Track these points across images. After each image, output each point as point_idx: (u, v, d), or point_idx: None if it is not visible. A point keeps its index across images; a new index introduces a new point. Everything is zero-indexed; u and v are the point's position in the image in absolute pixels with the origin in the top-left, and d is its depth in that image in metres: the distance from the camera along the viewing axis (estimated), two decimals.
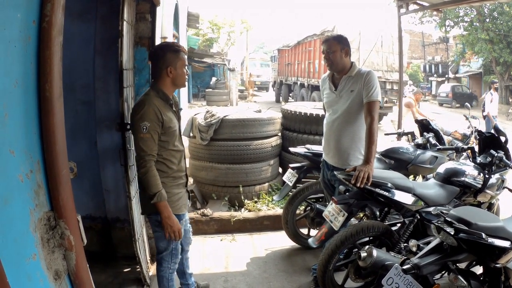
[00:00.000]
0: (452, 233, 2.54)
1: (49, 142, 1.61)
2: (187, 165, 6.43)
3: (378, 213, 3.75)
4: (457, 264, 2.69)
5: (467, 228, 2.55)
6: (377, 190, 3.42)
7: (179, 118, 3.15)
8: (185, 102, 11.48)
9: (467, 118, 7.25)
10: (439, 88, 34.24)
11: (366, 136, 3.52)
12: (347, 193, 3.60)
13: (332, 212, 3.48)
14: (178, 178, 3.11)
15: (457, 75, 38.28)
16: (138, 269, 3.90)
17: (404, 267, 2.55)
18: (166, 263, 3.20)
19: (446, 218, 2.66)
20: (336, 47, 3.66)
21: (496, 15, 28.50)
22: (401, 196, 3.47)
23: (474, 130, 7.11)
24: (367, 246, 3.06)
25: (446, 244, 2.65)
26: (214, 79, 26.55)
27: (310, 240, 3.66)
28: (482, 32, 28.13)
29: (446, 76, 38.65)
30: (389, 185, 3.46)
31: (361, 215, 4.64)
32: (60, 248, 1.65)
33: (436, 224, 2.68)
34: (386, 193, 3.43)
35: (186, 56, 3.04)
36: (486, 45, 28.57)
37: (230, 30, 31.65)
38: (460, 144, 5.35)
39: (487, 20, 28.71)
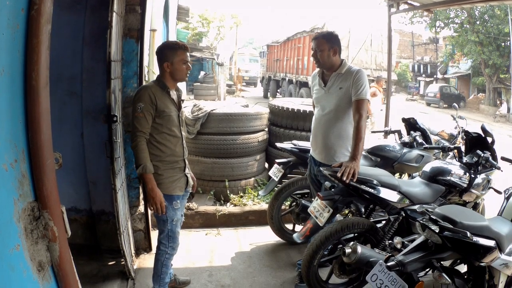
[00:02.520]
0: (437, 231, 2.56)
1: (34, 131, 1.58)
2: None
3: (363, 210, 3.78)
4: (442, 262, 2.70)
5: (452, 227, 2.57)
6: (363, 187, 3.44)
7: (179, 108, 3.42)
8: None
9: (454, 118, 7.28)
10: (427, 88, 34.52)
11: (354, 133, 3.54)
12: (332, 189, 3.61)
13: (318, 208, 3.49)
14: (173, 163, 3.34)
15: (445, 76, 38.65)
16: (123, 262, 3.89)
17: (389, 263, 2.55)
18: (163, 246, 3.42)
19: (431, 216, 2.68)
20: (324, 46, 3.67)
21: (486, 18, 28.91)
22: (386, 194, 3.49)
23: (461, 131, 7.18)
24: (351, 243, 3.07)
25: (431, 242, 2.66)
26: (202, 73, 26.48)
27: (295, 235, 3.68)
28: (472, 34, 28.50)
29: (435, 76, 39.01)
30: (375, 182, 3.48)
31: (346, 211, 4.66)
32: (44, 239, 1.63)
33: (421, 222, 2.69)
34: (371, 190, 3.45)
35: (187, 53, 3.33)
36: (476, 47, 28.97)
37: (220, 24, 31.59)
38: (446, 144, 5.38)
39: (478, 22, 29.09)
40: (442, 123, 11.40)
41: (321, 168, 3.68)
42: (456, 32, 31.15)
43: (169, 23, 9.35)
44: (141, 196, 4.56)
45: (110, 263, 4.25)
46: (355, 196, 3.57)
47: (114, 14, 3.21)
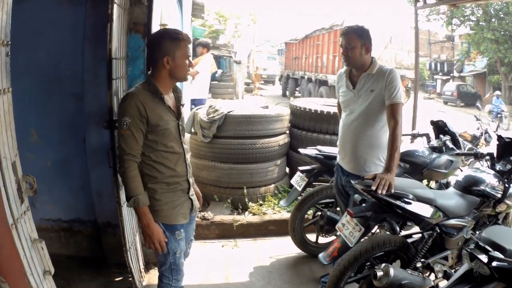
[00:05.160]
0: (486, 261, 2.34)
1: None
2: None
3: (398, 228, 3.37)
4: None
5: (502, 256, 2.35)
6: (398, 202, 3.05)
7: (178, 115, 2.79)
8: None
9: (477, 119, 7.07)
10: (444, 86, 34.07)
11: (389, 141, 3.20)
12: (363, 204, 3.24)
13: (347, 225, 3.12)
14: (174, 184, 2.74)
15: (461, 74, 38.23)
16: (131, 279, 3.58)
17: None
18: (166, 279, 2.86)
19: (479, 243, 2.45)
20: (356, 43, 3.29)
21: (502, 15, 28.75)
22: (420, 208, 3.13)
23: (483, 132, 6.94)
24: (383, 265, 2.82)
25: (477, 272, 2.46)
26: (220, 71, 26.26)
27: (320, 255, 3.32)
28: (488, 31, 28.37)
29: (451, 74, 38.51)
30: (411, 196, 3.10)
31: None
32: None
33: (469, 251, 2.46)
34: (406, 206, 3.07)
35: (190, 46, 2.69)
36: (492, 45, 28.88)
37: (237, 22, 31.43)
38: (479, 150, 5.05)
39: (493, 20, 28.98)
40: (463, 122, 11.20)
41: (352, 181, 3.29)
42: (472, 29, 31.13)
43: (183, 19, 9.03)
44: None
45: (117, 279, 3.98)
46: (388, 213, 3.20)
47: (115, 6, 2.88)
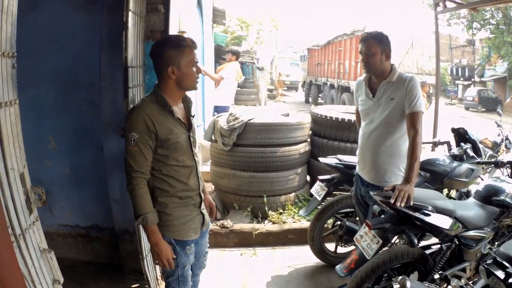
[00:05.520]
0: (503, 278, 2.23)
1: None
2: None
3: (416, 241, 3.27)
4: None
5: None
6: (417, 214, 2.96)
7: (189, 127, 2.64)
8: None
9: (498, 125, 6.97)
10: (465, 92, 33.59)
11: (409, 151, 3.12)
12: (382, 216, 3.15)
13: (365, 237, 3.03)
14: (186, 198, 2.62)
15: (482, 79, 37.66)
16: (147, 286, 3.58)
17: None
18: None
19: (497, 259, 2.34)
20: (376, 49, 3.20)
21: None
22: (440, 220, 3.04)
23: (504, 138, 6.77)
24: (400, 277, 2.67)
25: None
26: (242, 78, 26.29)
27: (337, 267, 3.23)
28: (508, 35, 27.95)
29: (472, 79, 37.98)
30: (430, 208, 3.01)
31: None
32: None
33: (486, 267, 2.35)
34: (425, 218, 2.98)
35: (195, 51, 2.53)
36: None
37: (259, 28, 31.40)
38: (500, 159, 4.91)
39: None
40: (484, 128, 10.97)
41: (371, 192, 3.20)
42: (492, 33, 30.54)
43: (203, 26, 9.04)
44: None
45: (134, 286, 3.96)
46: (407, 224, 3.10)
47: (131, 13, 2.86)
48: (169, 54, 2.42)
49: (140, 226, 2.95)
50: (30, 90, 3.64)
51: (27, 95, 3.63)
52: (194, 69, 2.51)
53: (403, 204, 2.89)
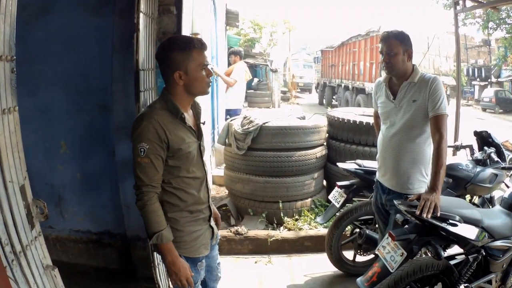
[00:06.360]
0: None
1: None
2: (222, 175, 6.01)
3: (443, 253, 3.11)
4: None
5: None
6: (443, 225, 2.80)
7: (199, 135, 2.47)
8: None
9: None
10: (482, 92, 33.18)
11: (434, 157, 2.96)
12: (406, 225, 2.99)
13: (388, 249, 2.87)
14: (196, 212, 2.47)
15: (499, 80, 37.32)
16: None
17: None
18: None
19: None
20: (398, 49, 3.07)
21: None
22: (467, 231, 2.88)
23: None
24: None
25: None
26: (256, 80, 26.28)
27: (359, 280, 3.07)
28: None
29: (489, 80, 37.59)
30: (457, 218, 2.85)
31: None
32: None
33: None
34: (453, 229, 2.81)
35: (205, 53, 2.33)
36: None
37: (272, 30, 31.38)
38: None
39: None
40: (504, 130, 10.81)
41: (395, 202, 3.03)
42: (508, 33, 30.05)
43: (217, 28, 8.97)
44: None
45: None
46: (433, 235, 2.94)
47: (142, 15, 2.76)
48: (175, 58, 2.24)
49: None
50: (41, 94, 3.59)
51: (39, 100, 3.61)
52: (204, 72, 2.32)
53: (429, 216, 2.74)
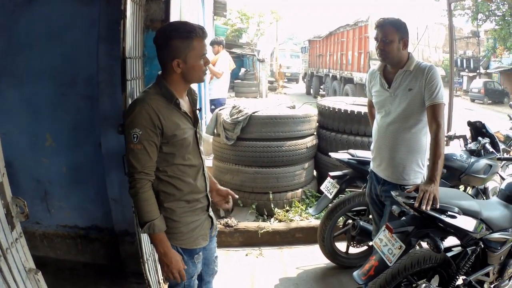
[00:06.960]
0: None
1: None
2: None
3: (442, 245, 3.07)
4: None
5: None
6: (442, 217, 2.74)
7: (195, 122, 2.41)
8: None
9: (511, 118, 6.92)
10: (471, 83, 33.49)
11: (432, 147, 2.91)
12: (403, 217, 2.93)
13: (386, 242, 2.80)
14: (193, 202, 2.40)
15: (488, 71, 37.59)
16: None
17: None
18: None
19: None
20: (393, 36, 2.99)
21: None
22: (466, 223, 2.84)
23: None
24: (423, 285, 2.71)
25: None
26: (243, 70, 26.22)
27: (355, 274, 3.00)
28: None
29: (478, 71, 37.85)
30: (456, 210, 2.80)
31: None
32: None
33: None
34: (452, 221, 2.76)
35: (204, 42, 2.27)
36: None
37: (260, 20, 31.36)
38: None
39: None
40: (492, 121, 10.96)
41: (392, 193, 2.97)
42: (498, 25, 30.37)
43: (204, 17, 8.85)
44: None
45: None
46: (431, 227, 2.88)
47: (129, 1, 2.66)
48: (175, 46, 2.17)
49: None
50: (26, 86, 3.49)
51: (24, 92, 3.50)
52: (202, 61, 2.27)
53: (428, 208, 2.69)
